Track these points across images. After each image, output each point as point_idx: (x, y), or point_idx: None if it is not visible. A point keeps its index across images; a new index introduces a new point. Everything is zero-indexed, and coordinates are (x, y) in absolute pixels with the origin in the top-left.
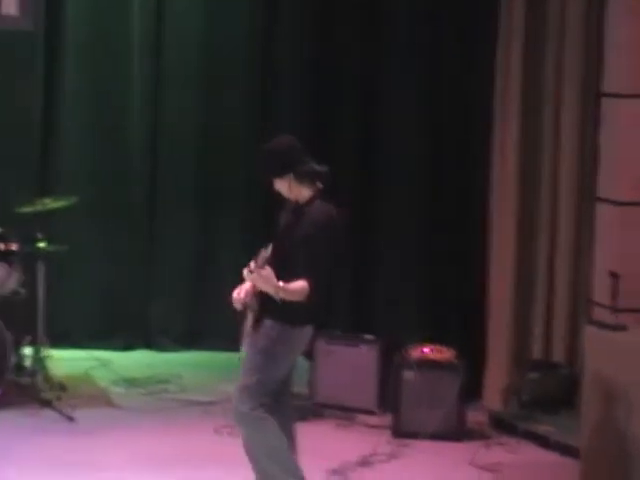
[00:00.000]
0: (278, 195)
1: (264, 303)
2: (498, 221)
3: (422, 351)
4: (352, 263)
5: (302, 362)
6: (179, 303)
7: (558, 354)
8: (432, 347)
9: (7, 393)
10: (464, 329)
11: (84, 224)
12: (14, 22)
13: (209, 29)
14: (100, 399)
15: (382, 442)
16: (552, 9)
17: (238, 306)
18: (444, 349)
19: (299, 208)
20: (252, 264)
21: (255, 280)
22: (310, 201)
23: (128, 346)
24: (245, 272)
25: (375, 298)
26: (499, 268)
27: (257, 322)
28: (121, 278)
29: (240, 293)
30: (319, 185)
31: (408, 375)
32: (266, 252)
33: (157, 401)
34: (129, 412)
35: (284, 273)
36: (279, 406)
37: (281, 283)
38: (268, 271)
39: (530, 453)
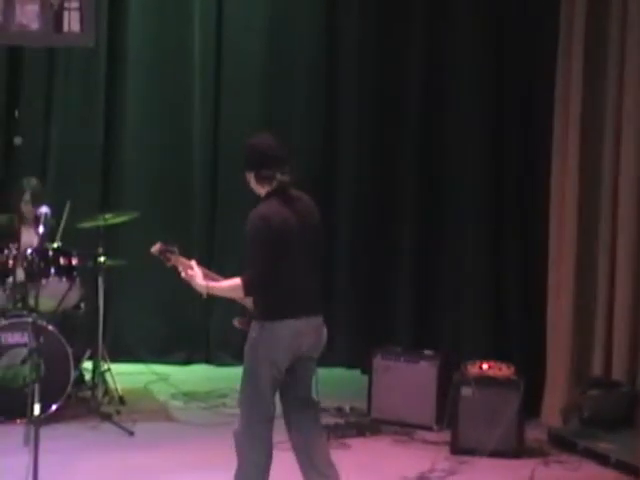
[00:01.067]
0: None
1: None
2: (558, 238)
3: (481, 368)
4: (415, 281)
5: (360, 377)
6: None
7: (618, 371)
8: (491, 364)
9: (68, 407)
10: (524, 346)
11: (145, 239)
12: (76, 39)
13: (269, 45)
14: (159, 413)
15: (440, 458)
16: (614, 13)
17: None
18: (503, 366)
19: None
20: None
21: (187, 281)
22: (263, 199)
23: (187, 360)
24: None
25: (436, 315)
26: (559, 285)
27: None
28: (181, 293)
29: None
30: (280, 185)
31: (466, 392)
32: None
33: (215, 415)
34: (188, 426)
35: None
36: (302, 422)
37: (212, 283)
38: (192, 272)
39: (590, 471)
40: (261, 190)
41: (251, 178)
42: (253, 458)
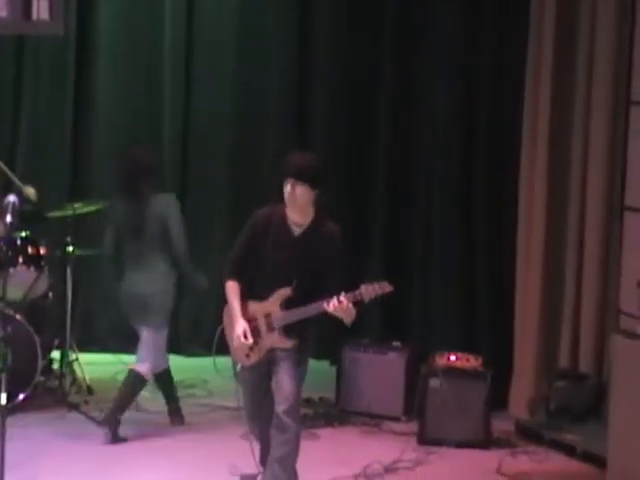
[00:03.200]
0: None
1: None
2: (526, 231)
3: (449, 359)
4: (384, 272)
5: (329, 369)
6: (208, 308)
7: (585, 363)
8: (459, 355)
9: (35, 396)
10: (491, 338)
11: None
12: (45, 27)
13: (241, 32)
14: None
15: (408, 449)
16: (583, 15)
17: None
18: (471, 357)
19: None
20: None
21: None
22: (321, 217)
23: None
24: None
25: (405, 307)
26: (527, 278)
27: None
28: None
29: None
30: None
31: (434, 383)
32: None
33: (184, 405)
34: (156, 416)
35: None
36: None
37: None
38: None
39: (557, 462)
40: (311, 211)
41: (311, 195)
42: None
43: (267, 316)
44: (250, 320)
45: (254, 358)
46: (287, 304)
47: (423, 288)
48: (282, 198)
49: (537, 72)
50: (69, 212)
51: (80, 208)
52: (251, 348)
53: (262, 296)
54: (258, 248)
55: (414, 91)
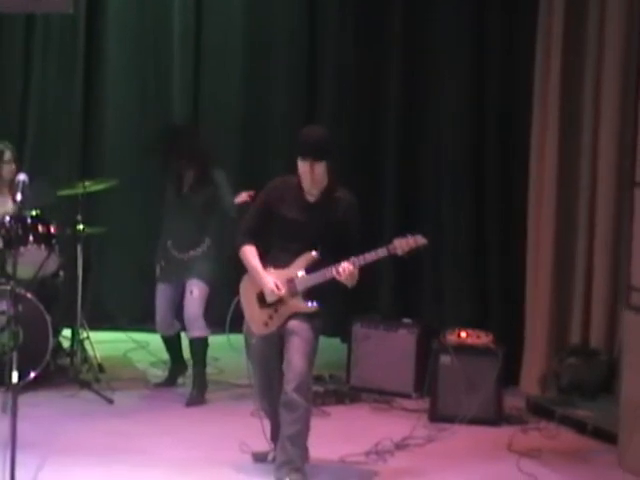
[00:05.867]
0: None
1: None
2: (537, 207)
3: (460, 336)
4: None
5: (340, 346)
6: (220, 284)
7: (596, 340)
8: (470, 332)
9: (47, 375)
10: (503, 315)
11: (125, 207)
12: (54, 5)
13: (250, 11)
14: (138, 381)
15: (419, 426)
16: None
17: None
18: (482, 334)
19: None
20: None
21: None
22: (335, 187)
23: None
24: None
25: (416, 284)
26: (538, 254)
27: None
28: None
29: None
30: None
31: (445, 360)
32: None
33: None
34: (167, 394)
35: None
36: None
37: None
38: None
39: (567, 438)
40: (325, 180)
41: (325, 167)
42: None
43: (289, 281)
44: None
45: (273, 326)
46: (311, 268)
47: (434, 264)
48: (295, 170)
49: (547, 54)
50: (79, 190)
51: (90, 186)
52: (270, 316)
53: (281, 262)
54: (275, 214)
55: (424, 75)
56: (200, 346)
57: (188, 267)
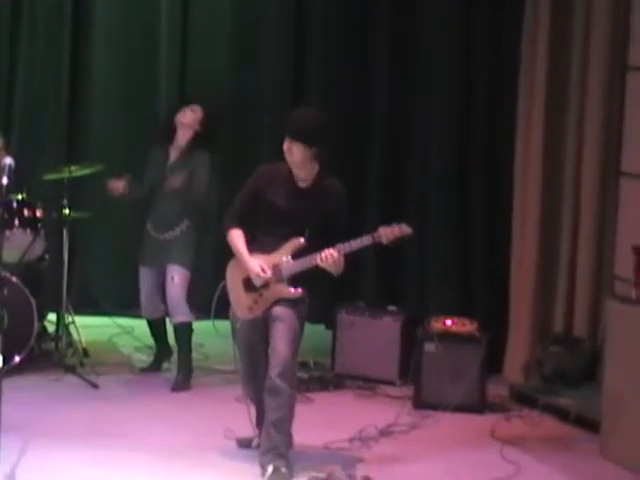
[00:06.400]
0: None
1: None
2: (522, 195)
3: (444, 323)
4: None
5: (324, 332)
6: (204, 269)
7: (580, 328)
8: (455, 320)
9: (31, 359)
10: (487, 303)
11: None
12: None
13: None
14: (123, 366)
15: (403, 413)
16: None
17: None
18: (467, 322)
19: None
20: None
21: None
22: (323, 175)
23: None
24: None
25: (401, 271)
26: (523, 243)
27: None
28: None
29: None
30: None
31: (430, 347)
32: None
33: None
34: (152, 379)
35: None
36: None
37: None
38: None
39: (551, 426)
40: (314, 166)
41: (308, 153)
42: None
43: (275, 266)
44: None
45: (257, 310)
46: (298, 255)
47: (419, 252)
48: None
49: (533, 40)
50: (65, 174)
51: (76, 170)
52: (255, 300)
53: (267, 247)
54: (263, 199)
55: (413, 62)
56: (184, 331)
57: (167, 250)
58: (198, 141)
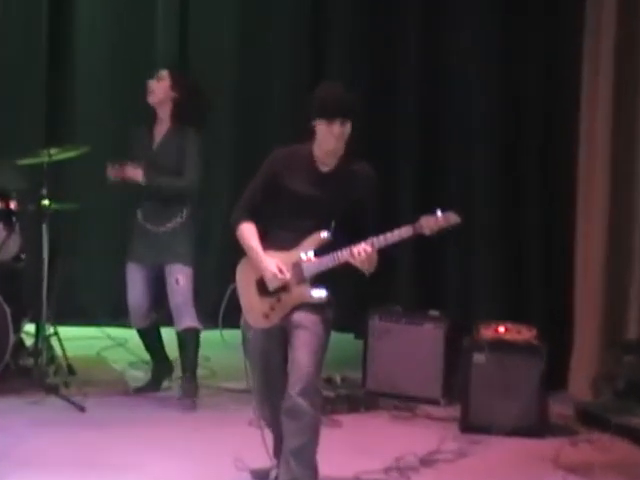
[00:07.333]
0: None
1: None
2: (587, 180)
3: (496, 330)
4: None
5: (353, 342)
6: (211, 271)
7: None
8: (508, 326)
9: (6, 378)
10: (546, 305)
11: (99, 178)
12: None
13: None
14: (116, 385)
15: (448, 438)
16: None
17: None
18: (523, 328)
19: None
20: None
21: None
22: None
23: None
24: None
25: (443, 269)
26: (588, 235)
27: None
28: None
29: None
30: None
31: (479, 359)
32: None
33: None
34: (149, 400)
35: None
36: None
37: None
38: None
39: (624, 452)
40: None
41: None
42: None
43: (295, 265)
44: None
45: (274, 318)
46: (321, 251)
47: (464, 246)
48: (301, 140)
49: (598, 21)
50: (44, 159)
51: (58, 154)
52: (272, 306)
53: (286, 244)
54: (280, 187)
55: (448, 31)
56: (191, 337)
57: (164, 245)
58: (182, 114)
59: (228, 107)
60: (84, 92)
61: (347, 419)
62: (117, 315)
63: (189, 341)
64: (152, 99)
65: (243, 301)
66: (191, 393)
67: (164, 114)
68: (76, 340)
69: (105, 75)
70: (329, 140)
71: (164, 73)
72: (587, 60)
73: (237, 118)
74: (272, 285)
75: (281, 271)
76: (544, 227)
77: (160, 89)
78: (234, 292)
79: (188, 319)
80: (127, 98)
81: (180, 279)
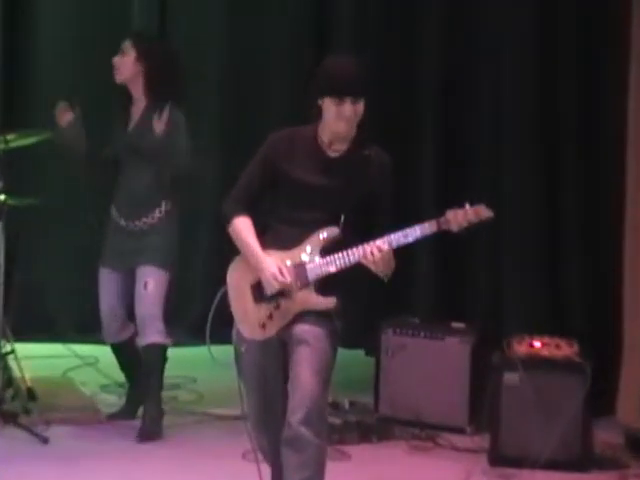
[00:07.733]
0: None
1: None
2: (637, 180)
3: (531, 345)
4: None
5: (364, 360)
6: (197, 280)
7: None
8: (546, 340)
9: None
10: (589, 317)
11: (64, 168)
12: None
13: None
14: (85, 411)
15: (476, 472)
16: None
17: None
18: (562, 343)
19: None
20: None
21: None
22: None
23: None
24: None
25: (467, 275)
26: (637, 229)
27: None
28: None
29: None
30: None
31: (512, 378)
32: None
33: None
34: (124, 429)
35: None
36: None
37: None
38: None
39: None
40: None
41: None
42: None
43: (298, 267)
44: None
45: (273, 328)
46: (329, 250)
47: (491, 248)
48: (303, 121)
49: None
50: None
51: (14, 140)
52: (270, 314)
53: (288, 241)
54: (280, 175)
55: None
56: (156, 355)
57: (139, 243)
58: (156, 88)
59: (212, 77)
60: (46, 71)
61: (357, 450)
62: (86, 329)
63: (152, 360)
64: (118, 77)
65: (236, 308)
66: (153, 424)
67: (137, 92)
68: (38, 359)
69: (71, 53)
70: (339, 122)
71: (127, 44)
72: (635, 60)
73: (223, 89)
74: (270, 289)
75: (281, 273)
76: (584, 230)
77: (125, 65)
78: (224, 298)
79: (153, 333)
80: (99, 79)
81: (149, 283)
